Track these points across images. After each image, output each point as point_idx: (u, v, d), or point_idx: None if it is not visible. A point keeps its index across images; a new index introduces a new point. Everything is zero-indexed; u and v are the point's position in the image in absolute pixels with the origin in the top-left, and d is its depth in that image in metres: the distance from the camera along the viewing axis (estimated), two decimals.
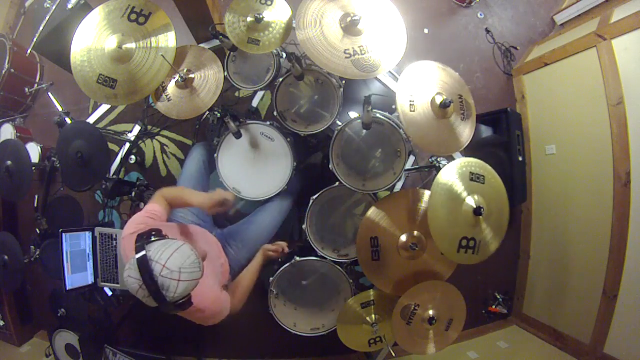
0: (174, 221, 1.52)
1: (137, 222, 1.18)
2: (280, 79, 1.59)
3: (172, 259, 0.89)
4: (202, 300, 1.12)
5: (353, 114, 1.67)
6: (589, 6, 2.24)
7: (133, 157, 2.39)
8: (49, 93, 2.63)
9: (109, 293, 2.04)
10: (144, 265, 0.87)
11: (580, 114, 2.00)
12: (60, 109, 2.50)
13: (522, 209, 2.39)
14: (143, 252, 0.89)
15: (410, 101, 1.33)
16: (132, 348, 2.14)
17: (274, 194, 1.67)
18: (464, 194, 1.32)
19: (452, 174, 1.33)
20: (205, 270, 1.22)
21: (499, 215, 1.40)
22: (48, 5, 2.05)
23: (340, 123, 1.54)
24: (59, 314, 2.18)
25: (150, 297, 0.88)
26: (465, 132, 1.41)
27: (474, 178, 1.35)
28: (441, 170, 1.33)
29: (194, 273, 0.92)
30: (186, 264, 0.91)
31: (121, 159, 2.38)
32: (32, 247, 2.13)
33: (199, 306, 1.10)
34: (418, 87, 1.36)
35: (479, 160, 1.39)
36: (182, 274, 0.89)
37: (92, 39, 1.52)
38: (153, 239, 0.95)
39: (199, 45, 1.91)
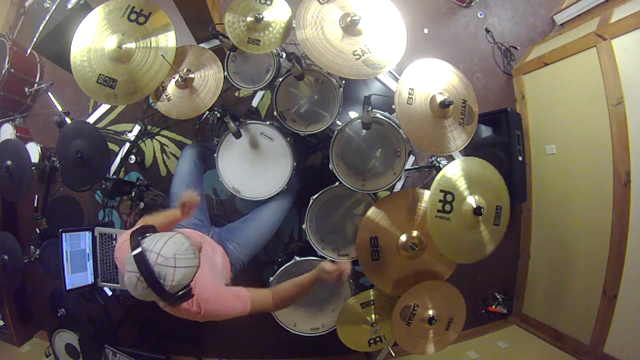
0: None
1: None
2: (280, 79, 1.59)
3: (166, 247, 0.90)
4: (202, 294, 1.12)
5: (353, 114, 1.67)
6: (589, 6, 2.24)
7: (133, 157, 2.39)
8: (49, 93, 2.63)
9: (109, 293, 2.03)
10: (140, 257, 0.88)
11: (580, 114, 2.00)
12: (60, 109, 2.49)
13: (522, 209, 2.38)
14: (138, 247, 0.90)
15: (409, 92, 1.32)
16: (132, 348, 2.13)
17: (273, 194, 1.67)
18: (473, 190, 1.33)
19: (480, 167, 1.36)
20: (204, 266, 1.21)
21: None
22: (48, 5, 2.05)
23: (340, 123, 1.54)
24: (59, 314, 2.17)
25: (149, 289, 0.88)
26: (461, 137, 1.39)
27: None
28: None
29: (190, 260, 0.93)
30: (181, 251, 0.92)
31: (121, 159, 2.37)
32: (32, 247, 2.13)
33: (195, 308, 1.10)
34: (423, 83, 1.35)
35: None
36: (178, 260, 0.90)
37: (92, 39, 1.53)
38: (148, 235, 0.96)
39: (199, 45, 1.91)
